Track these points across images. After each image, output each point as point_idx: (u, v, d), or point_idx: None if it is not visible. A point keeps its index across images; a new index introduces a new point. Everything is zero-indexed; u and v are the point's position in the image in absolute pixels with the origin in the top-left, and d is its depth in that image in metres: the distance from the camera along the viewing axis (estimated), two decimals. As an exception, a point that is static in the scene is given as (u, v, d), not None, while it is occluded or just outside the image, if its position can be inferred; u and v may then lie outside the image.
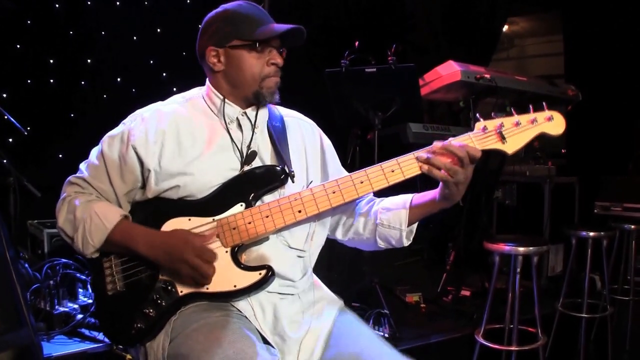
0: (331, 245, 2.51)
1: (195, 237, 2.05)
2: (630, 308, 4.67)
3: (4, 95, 5.07)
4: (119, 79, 5.98)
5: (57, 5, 5.49)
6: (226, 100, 2.24)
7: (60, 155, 5.54)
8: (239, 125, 2.25)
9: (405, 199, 2.29)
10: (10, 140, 4.90)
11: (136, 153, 2.14)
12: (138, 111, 2.28)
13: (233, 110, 2.25)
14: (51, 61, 5.50)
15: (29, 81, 5.34)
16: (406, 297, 4.85)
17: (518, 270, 3.64)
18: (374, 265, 4.70)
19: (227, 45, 2.18)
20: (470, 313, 4.54)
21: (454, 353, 4.06)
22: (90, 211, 2.10)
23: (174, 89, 5.97)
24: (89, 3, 5.72)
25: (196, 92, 2.36)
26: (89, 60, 5.76)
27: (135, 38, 6.10)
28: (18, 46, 5.25)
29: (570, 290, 4.43)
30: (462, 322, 4.42)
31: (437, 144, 2.10)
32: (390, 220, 2.31)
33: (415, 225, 2.34)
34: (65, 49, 5.57)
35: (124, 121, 2.27)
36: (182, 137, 2.17)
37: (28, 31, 5.29)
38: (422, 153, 2.11)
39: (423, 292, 4.94)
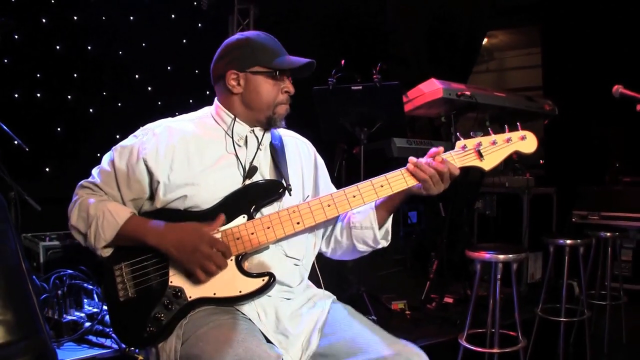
0: (317, 256, 2.65)
1: (206, 229, 2.20)
2: (607, 312, 4.78)
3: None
4: (104, 93, 6.05)
5: (44, 20, 5.57)
6: (237, 119, 2.41)
7: (47, 169, 5.61)
8: (245, 143, 2.42)
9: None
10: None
11: (146, 165, 2.29)
12: (149, 126, 2.43)
13: (242, 128, 2.42)
14: (38, 75, 5.56)
15: (16, 95, 5.41)
16: (391, 305, 4.95)
17: (498, 277, 3.72)
18: (359, 275, 4.82)
19: (248, 70, 2.36)
20: (453, 319, 4.65)
21: (439, 356, 4.10)
22: (103, 208, 2.25)
23: (159, 103, 6.10)
24: (75, 18, 5.78)
25: (205, 112, 2.52)
26: (75, 74, 5.83)
27: (120, 52, 6.18)
28: (5, 60, 5.32)
29: (549, 296, 4.52)
30: (446, 327, 4.54)
31: (423, 161, 2.31)
32: (362, 222, 2.49)
33: (389, 225, 2.53)
34: (52, 62, 5.63)
35: (135, 133, 2.41)
36: (190, 152, 2.32)
37: (16, 45, 5.35)
38: (411, 164, 2.32)
39: (407, 300, 5.04)
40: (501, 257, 3.71)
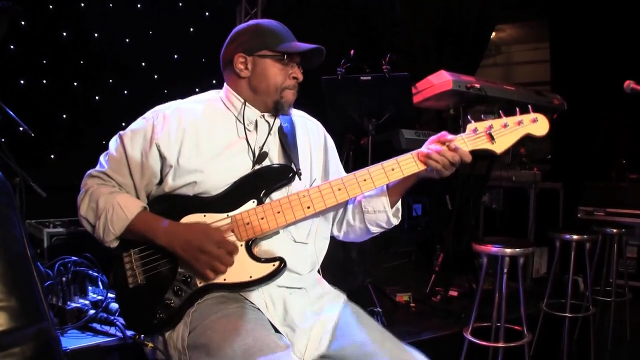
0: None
1: (215, 230, 2.19)
2: (612, 309, 4.77)
3: (-4, 95, 5.09)
4: (110, 81, 6.01)
5: (50, 7, 5.53)
6: (247, 103, 2.40)
7: (52, 156, 5.59)
8: (255, 128, 2.41)
9: None
10: (3, 140, 4.91)
11: (159, 150, 2.28)
12: (158, 108, 2.41)
13: (252, 112, 2.41)
14: (44, 62, 5.52)
15: (21, 81, 5.37)
16: (396, 297, 4.93)
17: (505, 270, 3.71)
18: (365, 267, 4.81)
19: (256, 54, 2.35)
20: (458, 312, 4.62)
21: (443, 349, 4.12)
22: (112, 201, 2.22)
23: (165, 91, 6.06)
24: (82, 5, 5.74)
25: (214, 95, 2.50)
26: (81, 62, 5.80)
27: (127, 40, 6.14)
28: (12, 46, 5.28)
29: (554, 291, 4.51)
30: (451, 320, 4.50)
31: (434, 147, 2.30)
32: (375, 206, 2.48)
33: (399, 204, 2.53)
34: (58, 50, 5.59)
35: (145, 116, 2.39)
36: (200, 136, 2.31)
37: (22, 32, 5.30)
38: (424, 150, 2.31)
39: (412, 293, 5.02)
40: (508, 251, 3.70)
